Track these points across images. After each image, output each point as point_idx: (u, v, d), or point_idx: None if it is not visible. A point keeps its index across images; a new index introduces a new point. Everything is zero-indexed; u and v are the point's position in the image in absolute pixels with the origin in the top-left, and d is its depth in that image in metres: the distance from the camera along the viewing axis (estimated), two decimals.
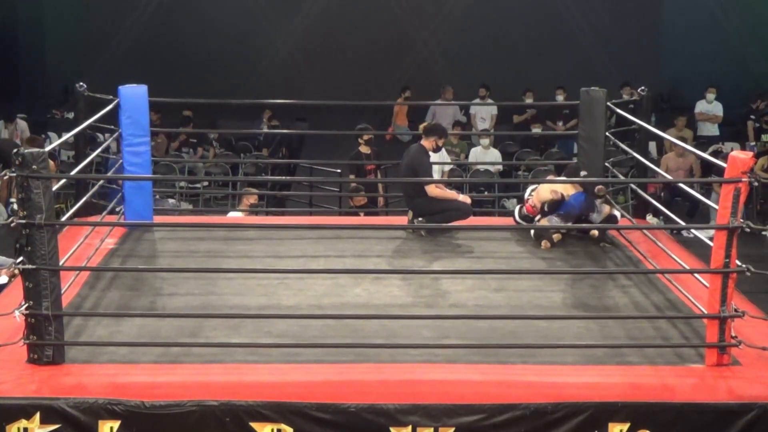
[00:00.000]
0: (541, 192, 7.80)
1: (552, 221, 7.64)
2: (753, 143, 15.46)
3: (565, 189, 7.70)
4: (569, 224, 7.56)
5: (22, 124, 15.27)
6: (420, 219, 7.88)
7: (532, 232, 7.65)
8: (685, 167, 13.46)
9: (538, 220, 7.79)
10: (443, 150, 11.82)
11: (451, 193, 8.04)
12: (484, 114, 16.69)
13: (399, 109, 17.42)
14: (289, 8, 19.61)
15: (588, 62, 18.61)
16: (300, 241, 7.50)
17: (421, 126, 10.41)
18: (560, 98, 15.78)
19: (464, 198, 8.07)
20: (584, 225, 7.71)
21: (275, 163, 14.90)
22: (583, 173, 8.02)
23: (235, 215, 9.87)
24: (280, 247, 7.39)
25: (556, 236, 7.53)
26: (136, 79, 8.07)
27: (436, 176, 11.72)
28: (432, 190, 7.91)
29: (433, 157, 8.56)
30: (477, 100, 16.65)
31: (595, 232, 7.53)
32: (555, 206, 7.65)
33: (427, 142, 8.07)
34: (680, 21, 19.62)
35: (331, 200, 12.55)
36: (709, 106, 16.21)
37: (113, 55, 19.13)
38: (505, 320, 5.82)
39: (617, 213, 7.93)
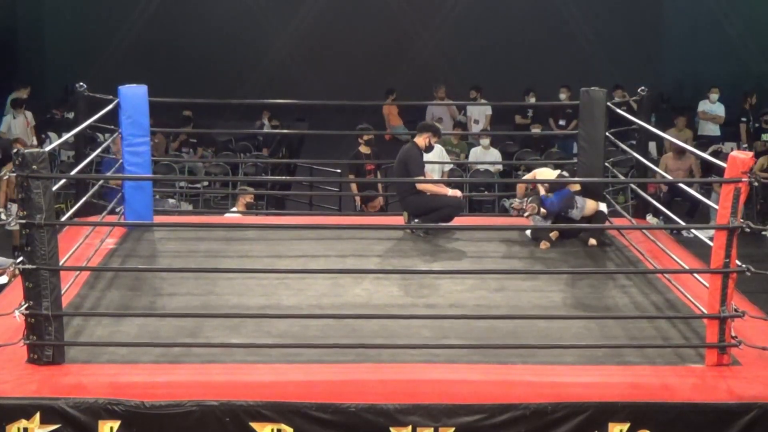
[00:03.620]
0: (538, 175, 7.88)
1: (535, 220, 7.65)
2: (745, 144, 15.44)
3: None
4: (565, 225, 7.57)
5: (29, 114, 15.35)
6: (416, 219, 7.88)
7: (529, 232, 7.67)
8: (684, 167, 13.46)
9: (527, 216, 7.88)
10: (443, 150, 11.87)
11: (440, 189, 8.05)
12: (477, 115, 16.67)
13: (389, 111, 17.37)
14: (289, 8, 19.59)
15: (588, 62, 18.60)
16: (300, 241, 7.50)
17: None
18: (563, 96, 15.75)
19: (453, 192, 8.04)
20: (582, 225, 7.72)
21: (275, 163, 14.90)
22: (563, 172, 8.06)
23: (231, 216, 9.86)
24: (280, 247, 7.39)
25: (553, 234, 7.54)
26: (136, 79, 8.07)
27: (435, 176, 11.72)
28: (422, 187, 7.95)
29: (434, 156, 8.56)
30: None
31: (594, 241, 7.54)
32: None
33: (420, 139, 8.09)
34: (680, 21, 19.61)
35: (331, 200, 12.56)
36: (713, 106, 16.21)
37: (113, 55, 19.11)
38: (505, 320, 5.82)
39: (603, 207, 7.89)
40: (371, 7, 19.44)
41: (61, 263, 5.32)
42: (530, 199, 7.69)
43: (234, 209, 10.32)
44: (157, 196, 10.13)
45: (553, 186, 7.67)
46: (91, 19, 19.43)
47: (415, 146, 8.08)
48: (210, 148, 15.04)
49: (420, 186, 7.93)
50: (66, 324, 5.36)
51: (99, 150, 8.39)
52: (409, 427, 4.92)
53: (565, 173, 7.95)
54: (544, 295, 6.38)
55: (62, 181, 6.72)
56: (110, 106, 7.74)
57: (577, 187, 7.71)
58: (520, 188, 8.18)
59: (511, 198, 12.87)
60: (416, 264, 7.20)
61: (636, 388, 5.07)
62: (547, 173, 8.07)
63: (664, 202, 10.92)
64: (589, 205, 7.73)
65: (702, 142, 15.48)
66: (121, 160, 7.98)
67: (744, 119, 16.03)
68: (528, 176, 7.92)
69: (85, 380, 5.04)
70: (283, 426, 4.91)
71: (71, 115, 14.71)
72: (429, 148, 8.18)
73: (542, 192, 7.66)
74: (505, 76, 18.24)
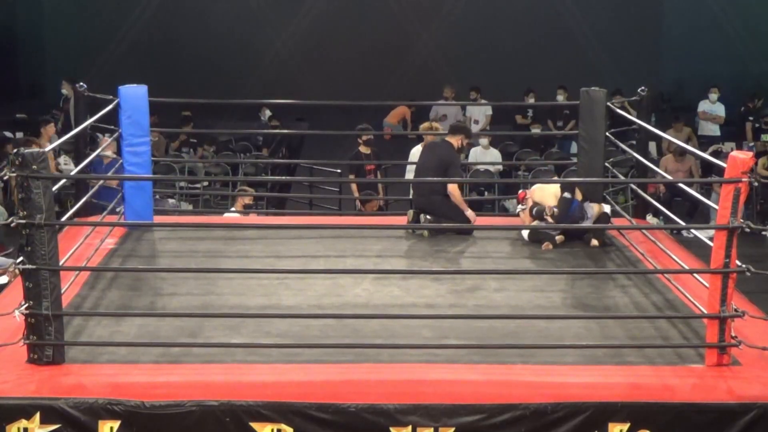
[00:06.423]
0: (536, 192, 7.81)
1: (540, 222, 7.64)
2: (752, 143, 15.48)
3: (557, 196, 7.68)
4: (564, 225, 7.56)
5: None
6: (429, 218, 7.86)
7: (526, 234, 7.63)
8: (684, 169, 13.46)
9: (520, 212, 7.84)
10: None
11: (463, 203, 8.03)
12: (477, 116, 16.69)
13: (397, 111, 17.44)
14: (289, 8, 19.62)
15: (588, 62, 18.62)
16: (300, 241, 7.50)
17: (424, 125, 10.42)
18: (561, 98, 15.79)
19: (471, 214, 8.03)
20: (582, 225, 7.71)
21: (275, 163, 14.90)
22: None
23: (230, 216, 9.86)
24: (280, 247, 7.39)
25: (558, 238, 7.53)
26: (136, 79, 8.07)
27: None
28: (454, 188, 7.92)
29: None
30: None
31: (596, 242, 7.53)
32: (540, 215, 7.63)
33: (454, 140, 8.08)
34: (680, 21, 19.63)
35: (331, 201, 12.56)
36: (713, 105, 16.23)
37: (113, 55, 19.14)
38: (505, 320, 5.82)
39: (607, 209, 7.90)
40: (371, 7, 19.46)
41: (61, 263, 5.32)
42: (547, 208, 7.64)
43: (233, 209, 10.32)
44: (157, 196, 10.12)
45: (561, 203, 7.63)
46: (91, 19, 19.46)
47: (452, 146, 8.07)
48: (211, 146, 15.04)
49: (451, 189, 7.89)
50: (66, 324, 5.35)
51: (99, 150, 8.38)
52: (409, 427, 4.91)
53: (567, 195, 7.79)
54: (544, 295, 6.37)
55: (62, 181, 6.71)
56: (110, 106, 7.74)
57: (580, 196, 7.70)
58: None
59: (511, 198, 12.95)
60: (416, 264, 7.20)
61: (636, 388, 5.06)
62: (545, 189, 7.94)
63: (664, 203, 10.92)
64: (595, 210, 7.75)
65: (702, 142, 15.49)
66: (121, 161, 7.99)
67: (751, 118, 16.05)
68: (529, 195, 7.85)
69: (85, 380, 5.04)
70: (283, 426, 4.91)
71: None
72: (461, 150, 8.20)
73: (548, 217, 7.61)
74: (505, 76, 18.26)
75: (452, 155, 8.02)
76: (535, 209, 7.66)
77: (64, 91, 15.92)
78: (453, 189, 7.92)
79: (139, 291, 6.34)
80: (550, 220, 7.53)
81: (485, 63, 18.96)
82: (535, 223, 7.65)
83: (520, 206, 7.98)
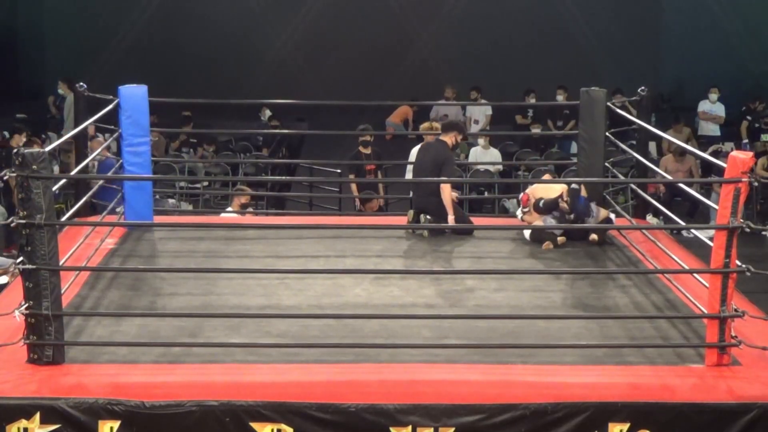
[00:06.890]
0: (538, 189, 7.82)
1: (547, 222, 7.64)
2: (746, 140, 15.51)
3: (562, 191, 7.68)
4: (566, 225, 7.56)
5: None
6: (429, 218, 7.84)
7: (528, 234, 7.63)
8: (684, 169, 13.46)
9: (523, 215, 7.82)
10: None
11: (451, 204, 7.90)
12: (477, 115, 16.70)
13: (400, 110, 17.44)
14: (289, 8, 19.62)
15: (588, 62, 18.61)
16: (300, 241, 7.50)
17: (424, 125, 10.37)
18: (560, 98, 15.80)
19: (451, 219, 7.84)
20: (582, 225, 7.71)
21: (275, 163, 14.90)
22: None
23: (228, 216, 9.85)
24: (280, 247, 7.39)
25: (560, 239, 7.52)
26: (136, 79, 8.07)
27: None
28: (446, 188, 7.84)
29: None
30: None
31: (595, 237, 7.54)
32: (551, 207, 7.63)
33: (447, 138, 8.05)
34: (680, 21, 19.63)
35: (331, 201, 12.57)
36: (713, 106, 16.24)
37: (113, 55, 19.13)
38: (505, 320, 5.82)
39: (613, 216, 7.93)
40: (371, 7, 19.46)
41: (61, 263, 5.32)
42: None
43: (229, 209, 10.32)
44: (157, 196, 10.13)
45: (570, 194, 7.64)
46: (91, 19, 19.46)
47: (446, 145, 8.03)
48: (210, 146, 15.05)
49: (442, 187, 7.79)
50: (66, 324, 5.36)
51: (99, 150, 8.38)
52: (409, 427, 4.91)
53: (574, 186, 7.78)
54: (544, 295, 6.37)
55: (62, 181, 6.71)
56: (110, 106, 7.74)
57: (585, 193, 7.71)
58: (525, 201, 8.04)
59: (511, 198, 12.94)
60: (416, 264, 7.20)
61: (636, 388, 5.06)
62: (546, 188, 7.93)
63: (664, 203, 10.92)
64: (602, 213, 7.75)
65: (702, 142, 15.51)
66: (121, 161, 8.00)
67: (749, 117, 16.07)
68: (530, 193, 7.82)
69: (85, 380, 5.05)
70: (283, 426, 4.91)
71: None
72: (455, 146, 8.16)
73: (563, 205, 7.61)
74: (505, 76, 18.26)
75: (445, 154, 7.98)
76: (542, 202, 7.64)
77: (60, 91, 15.92)
78: (444, 187, 7.84)
79: (139, 291, 6.34)
80: (565, 206, 7.53)
81: (485, 63, 18.95)
82: (541, 218, 7.65)
83: (521, 209, 7.95)
